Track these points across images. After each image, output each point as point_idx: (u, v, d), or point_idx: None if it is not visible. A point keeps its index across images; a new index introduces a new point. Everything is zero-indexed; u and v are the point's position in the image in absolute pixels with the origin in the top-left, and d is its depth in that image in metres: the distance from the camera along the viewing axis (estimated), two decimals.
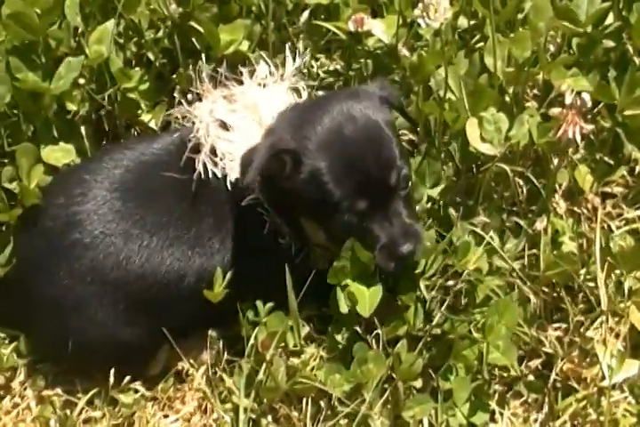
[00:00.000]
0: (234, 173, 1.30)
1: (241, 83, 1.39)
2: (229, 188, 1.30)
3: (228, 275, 1.24)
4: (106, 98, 1.51)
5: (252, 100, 1.35)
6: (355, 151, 1.23)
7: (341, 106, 1.26)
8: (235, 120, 1.34)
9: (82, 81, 1.50)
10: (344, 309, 1.25)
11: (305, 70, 1.47)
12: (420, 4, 1.46)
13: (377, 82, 1.36)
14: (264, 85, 1.37)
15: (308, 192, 1.24)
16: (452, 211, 1.34)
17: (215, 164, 1.31)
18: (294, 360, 1.25)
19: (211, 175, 1.31)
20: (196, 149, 1.33)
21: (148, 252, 1.30)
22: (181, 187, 1.32)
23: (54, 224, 1.31)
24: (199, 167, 1.31)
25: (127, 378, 1.32)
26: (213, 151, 1.32)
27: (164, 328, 1.25)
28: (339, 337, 1.28)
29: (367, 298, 1.25)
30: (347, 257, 1.25)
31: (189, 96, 1.42)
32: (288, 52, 1.40)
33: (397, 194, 1.25)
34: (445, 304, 1.28)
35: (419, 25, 1.48)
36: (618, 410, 1.27)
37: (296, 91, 1.39)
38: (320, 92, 1.47)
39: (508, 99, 1.40)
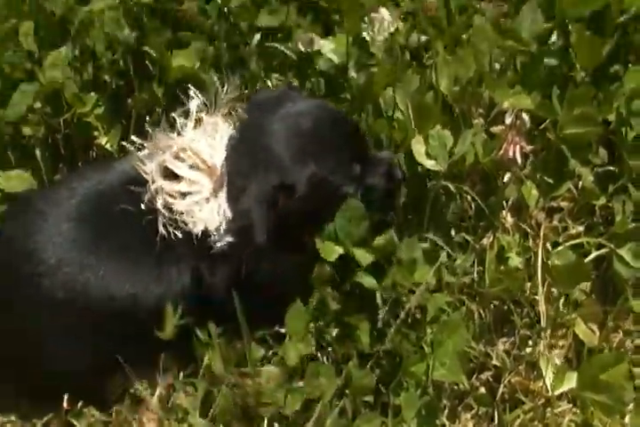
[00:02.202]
0: (198, 227, 1.28)
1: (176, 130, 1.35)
2: (195, 242, 1.28)
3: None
4: (61, 122, 1.53)
5: (192, 146, 1.32)
6: (325, 137, 1.30)
7: (284, 110, 1.30)
8: (184, 171, 1.31)
9: (37, 105, 1.51)
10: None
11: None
12: (366, 18, 1.50)
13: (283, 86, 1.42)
14: (200, 121, 1.36)
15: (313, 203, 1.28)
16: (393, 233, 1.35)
17: (176, 224, 1.28)
18: (248, 382, 1.27)
19: (173, 237, 1.28)
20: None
21: (104, 281, 1.28)
22: (137, 219, 1.29)
23: (12, 256, 1.31)
24: (161, 229, 1.28)
25: (81, 403, 1.32)
26: (169, 209, 1.28)
27: (118, 356, 1.25)
28: (291, 355, 1.28)
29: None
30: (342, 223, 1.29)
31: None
32: (217, 82, 1.38)
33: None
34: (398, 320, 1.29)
35: (365, 39, 1.52)
36: (564, 420, 1.30)
37: (232, 115, 1.37)
38: None
39: (455, 116, 1.42)
